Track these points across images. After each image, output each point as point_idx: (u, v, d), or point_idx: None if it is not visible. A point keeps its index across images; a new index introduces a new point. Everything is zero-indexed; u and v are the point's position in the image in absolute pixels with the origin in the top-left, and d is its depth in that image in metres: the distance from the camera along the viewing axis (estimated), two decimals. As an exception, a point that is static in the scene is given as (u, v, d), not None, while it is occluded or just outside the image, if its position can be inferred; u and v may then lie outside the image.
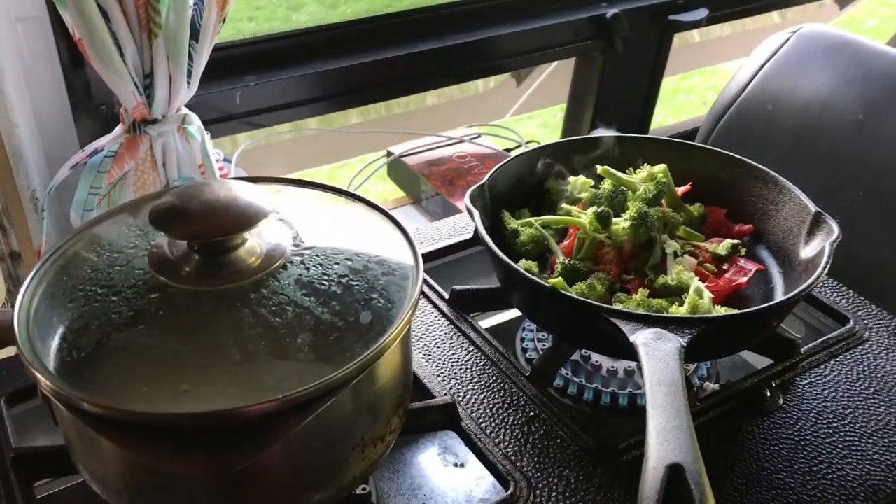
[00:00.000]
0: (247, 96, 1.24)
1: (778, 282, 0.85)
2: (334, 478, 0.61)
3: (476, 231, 0.80)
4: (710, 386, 0.83)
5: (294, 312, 0.58)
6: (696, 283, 0.78)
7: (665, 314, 0.74)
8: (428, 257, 0.96)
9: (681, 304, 0.76)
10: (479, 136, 1.47)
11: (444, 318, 0.86)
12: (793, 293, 0.72)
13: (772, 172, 0.89)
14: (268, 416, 0.53)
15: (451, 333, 0.84)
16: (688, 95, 3.33)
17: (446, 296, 0.88)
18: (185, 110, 1.07)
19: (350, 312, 0.59)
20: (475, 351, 0.82)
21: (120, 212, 0.72)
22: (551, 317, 0.78)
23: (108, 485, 0.60)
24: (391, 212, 1.33)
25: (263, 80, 1.25)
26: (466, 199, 0.83)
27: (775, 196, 0.88)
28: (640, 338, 0.67)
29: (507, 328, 0.94)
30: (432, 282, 0.90)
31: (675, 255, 0.82)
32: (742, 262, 0.83)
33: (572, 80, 1.73)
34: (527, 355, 0.88)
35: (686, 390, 0.62)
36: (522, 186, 0.92)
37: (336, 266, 0.62)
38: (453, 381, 0.78)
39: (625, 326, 0.69)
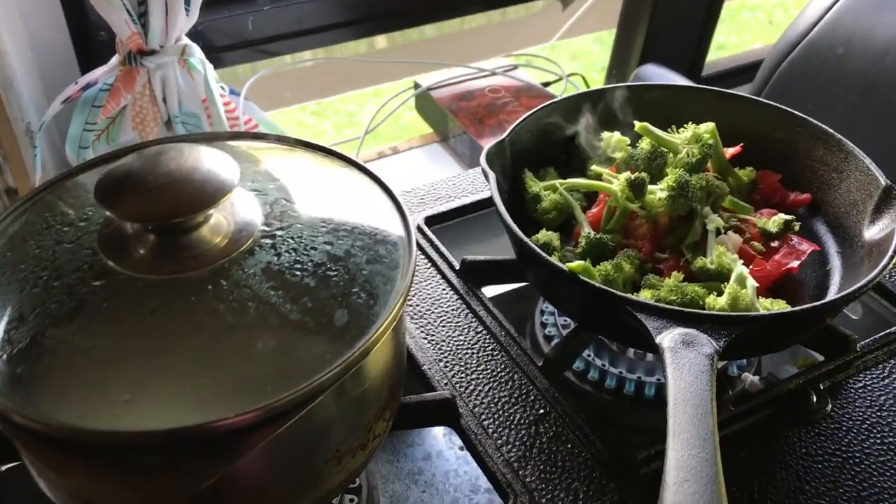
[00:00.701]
0: (260, 22, 1.14)
1: (835, 264, 0.75)
2: (306, 492, 0.54)
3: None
4: (750, 378, 0.74)
5: (257, 310, 0.50)
6: (739, 267, 0.67)
7: (699, 309, 0.65)
8: (444, 217, 0.87)
9: (719, 294, 0.66)
10: (514, 67, 1.35)
11: (452, 292, 0.77)
12: (851, 289, 0.62)
13: (837, 135, 0.77)
14: (219, 436, 0.45)
15: (460, 310, 0.75)
16: (753, 13, 3.11)
17: (458, 265, 0.79)
18: (185, 40, 0.98)
19: (323, 311, 0.50)
20: (484, 332, 0.73)
21: (98, 164, 0.63)
22: (569, 301, 0.69)
23: (53, 488, 0.54)
24: (416, 149, 1.21)
25: (278, 3, 1.14)
26: (483, 160, 0.73)
27: (839, 163, 0.77)
28: (668, 340, 0.58)
29: (528, 294, 0.85)
30: (443, 248, 0.81)
31: (718, 233, 0.71)
32: (795, 241, 0.73)
33: (623, 3, 1.58)
34: (546, 331, 0.80)
35: (715, 406, 0.53)
36: (549, 141, 0.82)
37: (312, 252, 0.54)
38: (457, 368, 0.69)
39: (650, 323, 0.59)
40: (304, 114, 2.35)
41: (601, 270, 0.68)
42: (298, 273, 0.52)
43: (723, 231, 0.72)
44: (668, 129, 0.77)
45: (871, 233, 0.71)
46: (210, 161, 0.54)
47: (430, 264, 0.80)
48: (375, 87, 1.77)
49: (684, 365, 0.56)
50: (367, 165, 1.32)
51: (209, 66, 1.01)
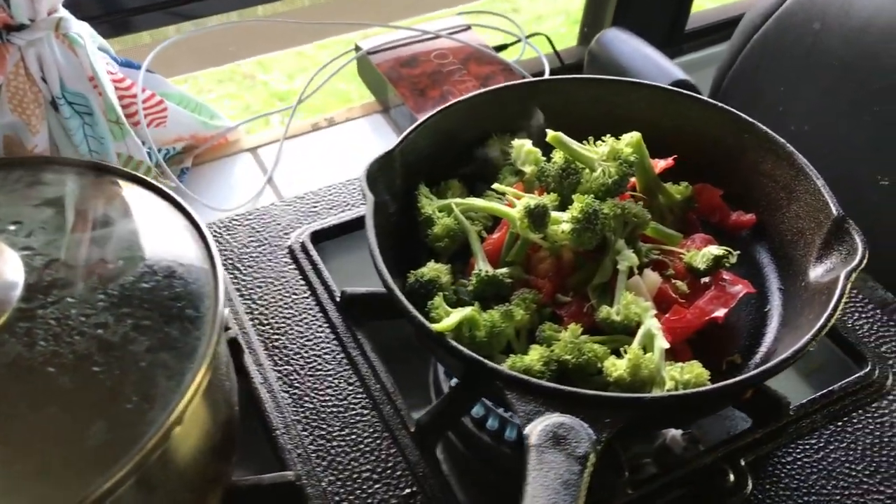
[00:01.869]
0: (167, -18, 1.02)
1: (775, 304, 0.64)
2: None
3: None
4: (672, 432, 0.64)
5: (-12, 426, 0.40)
6: (648, 321, 0.56)
7: (596, 374, 0.54)
8: (337, 230, 0.75)
9: (620, 356, 0.55)
10: (467, 28, 1.22)
11: (329, 331, 0.66)
12: (776, 361, 0.51)
13: (788, 147, 0.65)
14: None
15: (333, 355, 0.64)
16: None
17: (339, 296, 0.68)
18: (61, 12, 0.86)
19: (76, 427, 0.40)
20: (357, 384, 0.62)
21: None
22: (444, 361, 0.58)
23: None
24: (355, 120, 1.07)
25: (186, -39, 1.02)
26: (363, 178, 0.62)
27: (789, 180, 0.65)
28: (536, 435, 0.47)
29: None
30: (326, 274, 0.70)
31: (631, 273, 0.60)
32: (726, 279, 0.61)
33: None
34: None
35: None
36: (453, 146, 0.70)
37: (78, 339, 0.43)
38: (317, 433, 0.59)
39: (521, 407, 0.49)
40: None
41: (487, 321, 0.57)
42: (53, 370, 0.42)
43: (636, 271, 0.60)
44: (585, 140, 0.65)
45: (817, 273, 0.60)
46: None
47: (309, 294, 0.69)
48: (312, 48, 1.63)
49: (549, 473, 0.45)
50: (300, 139, 1.19)
51: (92, 39, 0.89)
